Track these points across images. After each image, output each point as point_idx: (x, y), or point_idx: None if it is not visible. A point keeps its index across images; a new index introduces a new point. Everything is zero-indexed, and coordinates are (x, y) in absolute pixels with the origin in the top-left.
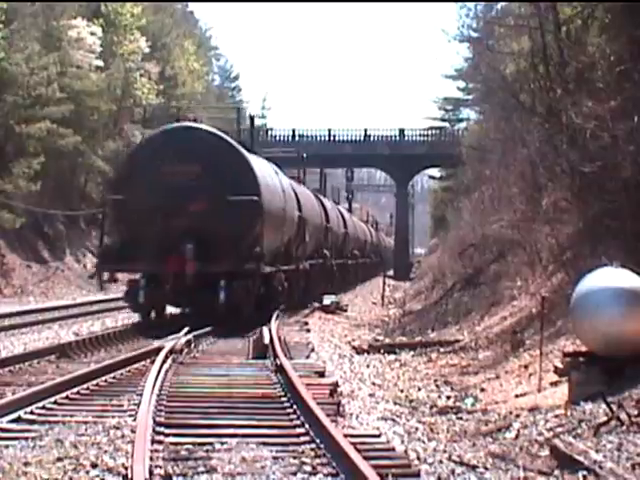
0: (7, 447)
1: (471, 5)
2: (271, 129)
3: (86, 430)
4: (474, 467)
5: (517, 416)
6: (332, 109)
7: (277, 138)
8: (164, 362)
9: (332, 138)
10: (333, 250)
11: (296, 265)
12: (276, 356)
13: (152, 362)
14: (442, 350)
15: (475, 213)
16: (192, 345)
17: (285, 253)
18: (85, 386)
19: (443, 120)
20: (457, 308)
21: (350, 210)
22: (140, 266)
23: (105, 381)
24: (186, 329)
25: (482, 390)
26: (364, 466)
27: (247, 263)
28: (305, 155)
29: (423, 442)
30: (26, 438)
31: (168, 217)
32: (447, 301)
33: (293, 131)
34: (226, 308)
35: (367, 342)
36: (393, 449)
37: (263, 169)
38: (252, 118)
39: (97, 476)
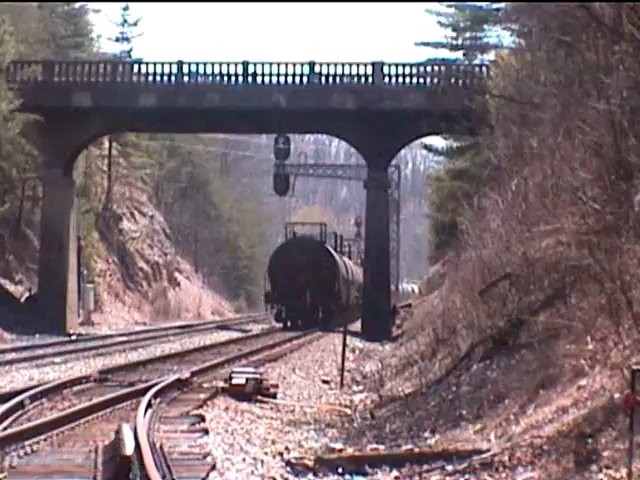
0: None
1: None
2: (140, 61)
3: None
4: None
5: None
6: (253, 34)
7: (152, 77)
8: None
9: (252, 78)
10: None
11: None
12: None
13: None
14: (450, 469)
15: (511, 218)
16: None
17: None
18: None
19: (453, 48)
20: (478, 392)
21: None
22: (284, 302)
23: None
24: None
25: None
26: None
27: (331, 299)
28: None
29: None
30: None
31: (295, 279)
32: (460, 379)
33: (180, 65)
34: (322, 320)
35: (314, 454)
36: None
37: (336, 255)
38: None
39: None
